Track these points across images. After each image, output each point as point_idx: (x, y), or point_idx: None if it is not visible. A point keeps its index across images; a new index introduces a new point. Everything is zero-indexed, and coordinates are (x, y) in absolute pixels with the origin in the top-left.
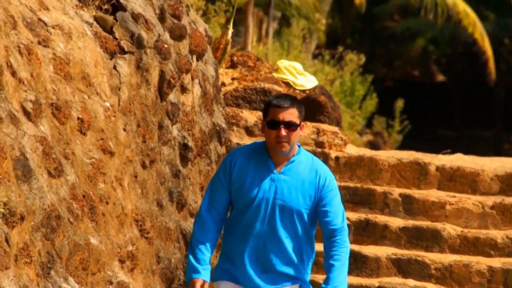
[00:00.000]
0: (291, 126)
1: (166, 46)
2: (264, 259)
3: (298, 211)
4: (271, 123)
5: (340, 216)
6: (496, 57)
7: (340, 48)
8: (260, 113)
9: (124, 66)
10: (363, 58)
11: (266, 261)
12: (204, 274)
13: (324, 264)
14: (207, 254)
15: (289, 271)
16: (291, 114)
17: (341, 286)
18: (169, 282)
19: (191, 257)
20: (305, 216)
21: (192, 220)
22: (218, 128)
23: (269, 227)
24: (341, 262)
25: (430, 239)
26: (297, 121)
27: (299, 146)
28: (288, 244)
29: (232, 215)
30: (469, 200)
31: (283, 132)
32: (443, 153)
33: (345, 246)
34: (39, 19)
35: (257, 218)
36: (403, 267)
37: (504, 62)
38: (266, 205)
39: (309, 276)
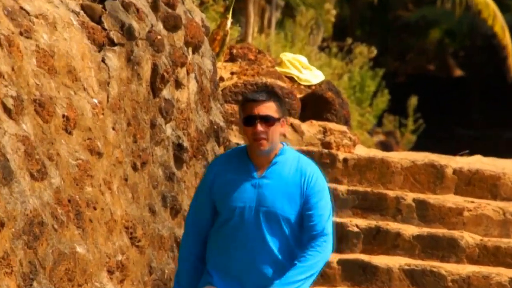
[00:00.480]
0: (268, 121)
1: (159, 37)
2: (254, 273)
3: (285, 218)
4: (247, 119)
5: (324, 220)
6: None
7: (349, 40)
8: None
9: (114, 59)
10: (374, 51)
11: (257, 274)
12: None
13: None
14: (188, 267)
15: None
16: (268, 108)
17: (291, 285)
18: None
19: (176, 273)
20: (293, 221)
21: None
22: (215, 126)
23: (256, 237)
24: (305, 264)
25: (447, 249)
26: (275, 115)
27: (284, 145)
28: (279, 253)
29: (215, 227)
30: (489, 206)
31: (260, 127)
32: (460, 155)
33: (319, 252)
34: (21, 8)
35: (242, 228)
36: (417, 279)
37: None
38: (250, 213)
39: None
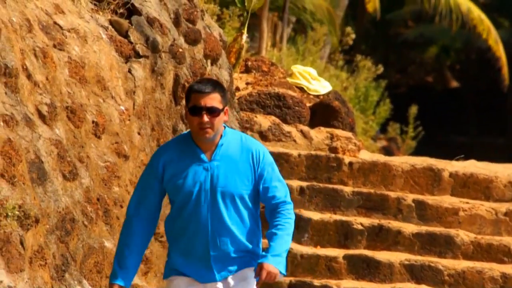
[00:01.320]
0: (213, 112)
1: (180, 50)
2: (216, 251)
3: (239, 195)
4: (193, 110)
5: (282, 190)
6: (510, 64)
7: (358, 57)
8: (274, 118)
9: (139, 70)
10: (381, 68)
11: (219, 252)
12: (122, 280)
13: (267, 235)
14: (130, 259)
15: (245, 256)
16: (213, 99)
17: (282, 256)
18: None
19: (114, 261)
20: (247, 198)
21: None
22: None
23: (214, 218)
24: (285, 232)
25: (444, 245)
26: (220, 106)
27: (225, 127)
28: (238, 230)
29: (173, 213)
30: (483, 207)
31: (206, 118)
32: (456, 160)
33: (289, 218)
34: (55, 23)
35: (199, 212)
36: (416, 273)
37: None
38: (206, 196)
39: (260, 250)
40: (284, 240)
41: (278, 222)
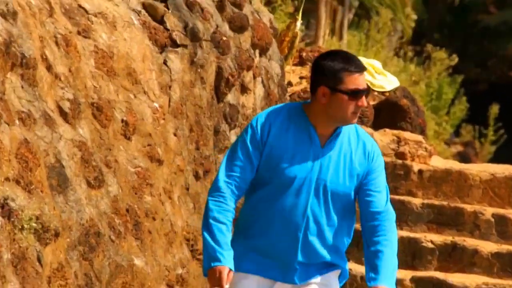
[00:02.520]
0: (368, 94)
1: (224, 38)
2: (304, 255)
3: (345, 193)
4: (355, 93)
5: (385, 196)
6: None
7: (429, 46)
8: None
9: (176, 61)
10: (455, 58)
11: (307, 251)
12: (227, 261)
13: (366, 250)
14: (227, 235)
15: (332, 259)
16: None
17: (393, 276)
18: None
19: (208, 239)
20: (352, 197)
21: None
22: None
23: (312, 214)
24: (392, 250)
25: None
26: None
27: None
28: (332, 231)
29: (263, 195)
30: None
31: (365, 102)
32: None
33: (393, 232)
34: (79, 6)
35: (298, 203)
36: None
37: None
38: (309, 188)
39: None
40: (393, 257)
41: (382, 238)
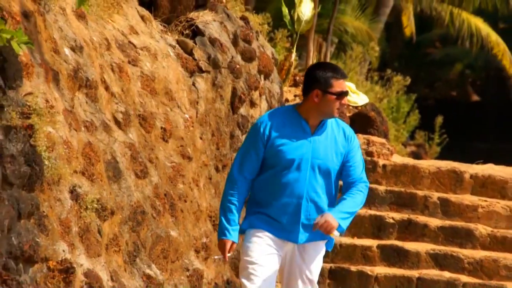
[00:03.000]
0: (347, 96)
1: (238, 66)
2: (305, 214)
3: (333, 169)
4: (340, 94)
5: (362, 170)
6: None
7: (389, 71)
8: None
9: (202, 83)
10: (408, 80)
11: (308, 215)
12: (233, 236)
13: (337, 201)
14: (237, 216)
15: None
16: None
17: (344, 214)
18: (237, 269)
19: (222, 218)
20: (337, 172)
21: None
22: None
23: (310, 186)
24: (353, 199)
25: (464, 237)
26: None
27: None
28: (324, 200)
29: (270, 175)
30: (498, 204)
31: (346, 101)
32: (476, 163)
33: (363, 193)
34: (129, 42)
35: (299, 179)
36: (440, 261)
37: None
38: (306, 165)
39: None
40: (351, 204)
41: (352, 192)
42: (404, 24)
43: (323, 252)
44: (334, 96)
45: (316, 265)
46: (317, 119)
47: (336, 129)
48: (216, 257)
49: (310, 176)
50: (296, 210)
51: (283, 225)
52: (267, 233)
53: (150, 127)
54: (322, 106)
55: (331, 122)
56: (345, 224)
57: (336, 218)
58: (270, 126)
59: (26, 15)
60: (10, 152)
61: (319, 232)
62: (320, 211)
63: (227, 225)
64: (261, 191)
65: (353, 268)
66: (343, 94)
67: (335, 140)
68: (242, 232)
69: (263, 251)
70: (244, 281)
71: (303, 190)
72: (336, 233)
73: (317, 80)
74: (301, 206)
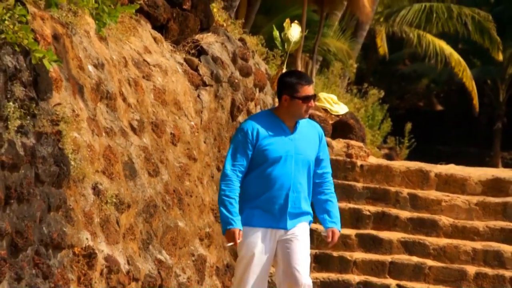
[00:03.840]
0: (315, 98)
1: (236, 81)
2: (292, 203)
3: (311, 161)
4: (305, 98)
5: (329, 163)
6: (481, 93)
7: (365, 85)
8: None
9: (206, 95)
10: (382, 92)
11: (294, 204)
12: (238, 224)
13: (316, 197)
14: (236, 207)
15: (307, 209)
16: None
17: (339, 223)
18: (236, 255)
19: (224, 211)
20: (312, 165)
21: None
22: None
23: (295, 178)
24: (335, 200)
25: (430, 227)
26: None
27: None
28: (305, 188)
29: (259, 172)
30: (459, 199)
31: (313, 103)
32: (440, 164)
33: (333, 188)
34: (144, 60)
35: (286, 173)
36: (409, 248)
37: (487, 96)
38: (291, 161)
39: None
40: (337, 207)
41: (328, 191)
42: (378, 44)
43: (308, 231)
44: (301, 100)
45: (304, 237)
46: (291, 120)
47: (310, 127)
48: (228, 244)
49: (295, 170)
50: (285, 201)
51: (273, 215)
52: (259, 228)
53: (161, 132)
54: (291, 109)
55: (305, 122)
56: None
57: (339, 228)
58: (256, 129)
59: (56, 37)
60: (42, 154)
61: (304, 217)
62: (303, 199)
63: (230, 216)
64: (251, 186)
65: (335, 253)
66: (308, 98)
67: (310, 137)
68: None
69: (257, 248)
70: (241, 276)
71: (289, 182)
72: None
73: (285, 87)
74: (288, 196)
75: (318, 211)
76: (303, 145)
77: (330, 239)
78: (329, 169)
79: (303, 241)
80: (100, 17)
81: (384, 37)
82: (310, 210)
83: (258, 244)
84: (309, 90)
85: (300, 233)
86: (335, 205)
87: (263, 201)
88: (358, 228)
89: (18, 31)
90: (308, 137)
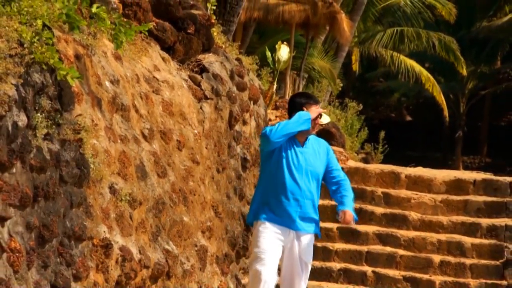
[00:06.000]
0: (321, 117)
1: (234, 95)
2: (301, 210)
3: (320, 173)
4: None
5: (340, 170)
6: (447, 106)
7: (346, 99)
8: None
9: (207, 107)
10: (360, 105)
11: (304, 210)
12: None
13: (335, 197)
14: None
15: (314, 216)
16: None
17: (352, 206)
18: (233, 246)
19: (294, 120)
20: (321, 178)
21: (248, 207)
22: None
23: (305, 187)
24: (351, 195)
25: (401, 221)
26: None
27: None
28: (313, 198)
29: (274, 178)
30: (426, 197)
31: (320, 121)
32: (409, 167)
33: (350, 188)
34: (154, 76)
35: (297, 181)
36: (383, 239)
37: (450, 108)
38: (301, 171)
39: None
40: (352, 199)
41: (344, 188)
42: (353, 61)
43: (313, 242)
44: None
45: (309, 251)
46: (302, 136)
47: (317, 144)
48: (325, 122)
49: (306, 179)
50: (296, 206)
51: (284, 217)
52: (271, 223)
53: (169, 139)
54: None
55: (313, 138)
56: (355, 215)
57: (352, 211)
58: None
59: (77, 57)
60: (65, 159)
61: (312, 226)
62: (312, 207)
63: (304, 113)
64: (267, 190)
65: (319, 244)
66: (316, 116)
67: (318, 152)
68: (250, 224)
69: (270, 241)
70: (257, 267)
71: (300, 190)
72: (353, 222)
73: (296, 106)
74: (299, 202)
75: (336, 199)
76: (313, 159)
77: (342, 219)
78: (343, 176)
79: (305, 264)
80: (117, 36)
81: (357, 56)
82: (317, 218)
83: (269, 238)
84: (317, 108)
85: (305, 245)
86: (349, 196)
87: (273, 203)
88: (339, 222)
89: (45, 52)
90: (317, 152)
